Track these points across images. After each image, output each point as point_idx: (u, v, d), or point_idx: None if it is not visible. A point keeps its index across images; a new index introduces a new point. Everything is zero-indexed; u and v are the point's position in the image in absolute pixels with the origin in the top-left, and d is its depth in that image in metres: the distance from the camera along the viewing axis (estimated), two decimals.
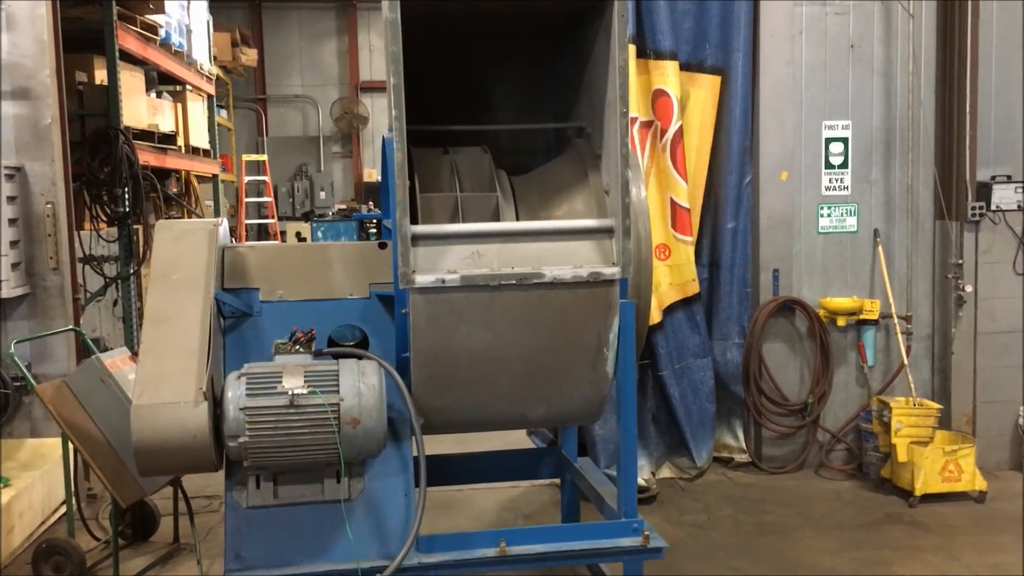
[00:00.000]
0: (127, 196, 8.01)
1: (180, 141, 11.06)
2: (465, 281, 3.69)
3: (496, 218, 3.98)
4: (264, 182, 17.78)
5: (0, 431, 5.87)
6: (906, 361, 6.45)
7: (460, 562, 3.80)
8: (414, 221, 3.89)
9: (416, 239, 3.74)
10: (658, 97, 6.37)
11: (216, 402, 3.57)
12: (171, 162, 10.18)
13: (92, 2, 8.12)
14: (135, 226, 8.70)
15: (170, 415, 3.45)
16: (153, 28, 9.28)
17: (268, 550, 3.72)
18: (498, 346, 3.82)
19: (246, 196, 17.62)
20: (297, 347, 3.79)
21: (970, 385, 6.60)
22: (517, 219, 4.12)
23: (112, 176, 7.94)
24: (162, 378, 3.52)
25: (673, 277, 6.47)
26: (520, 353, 3.85)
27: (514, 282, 3.71)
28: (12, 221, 5.86)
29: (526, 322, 3.80)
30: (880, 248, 6.62)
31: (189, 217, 13.83)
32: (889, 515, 5.79)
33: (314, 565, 3.71)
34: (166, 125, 10.43)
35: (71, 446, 4.76)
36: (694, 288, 6.50)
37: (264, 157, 18.07)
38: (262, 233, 18.09)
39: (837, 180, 6.66)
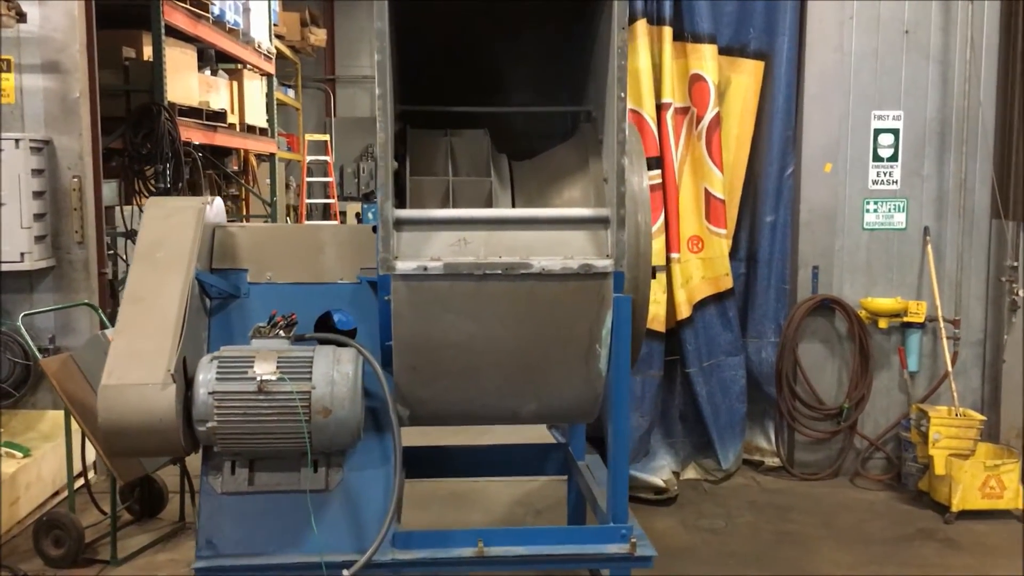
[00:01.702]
0: (168, 172, 8.05)
1: (235, 119, 11.13)
2: (448, 269, 3.53)
3: (489, 204, 3.82)
4: (327, 162, 17.88)
5: (21, 401, 5.94)
6: (950, 368, 6.08)
7: (436, 561, 3.66)
8: (402, 205, 3.77)
9: (400, 223, 3.59)
10: (695, 82, 6.10)
11: (189, 385, 3.49)
12: (221, 139, 10.24)
13: None
14: None
15: (137, 397, 3.37)
16: (204, 5, 9.32)
17: (240, 538, 3.63)
18: (484, 338, 3.66)
19: (314, 176, 17.74)
20: (278, 331, 3.69)
21: (1021, 396, 6.19)
22: (513, 206, 3.96)
23: (153, 152, 8.00)
24: (133, 358, 3.45)
25: (706, 270, 6.20)
26: (507, 346, 3.68)
27: (500, 272, 3.54)
28: (39, 194, 5.89)
29: (513, 314, 3.63)
30: (929, 247, 6.25)
31: (247, 195, 14.01)
32: (921, 531, 5.46)
33: (286, 556, 3.61)
34: (220, 103, 10.50)
35: (73, 420, 4.75)
36: (727, 283, 6.22)
37: (326, 137, 18.16)
38: (327, 213, 18.23)
39: (885, 173, 6.30)
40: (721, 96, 6.15)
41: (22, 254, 5.75)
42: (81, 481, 5.22)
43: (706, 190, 6.16)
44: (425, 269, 3.53)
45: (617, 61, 3.52)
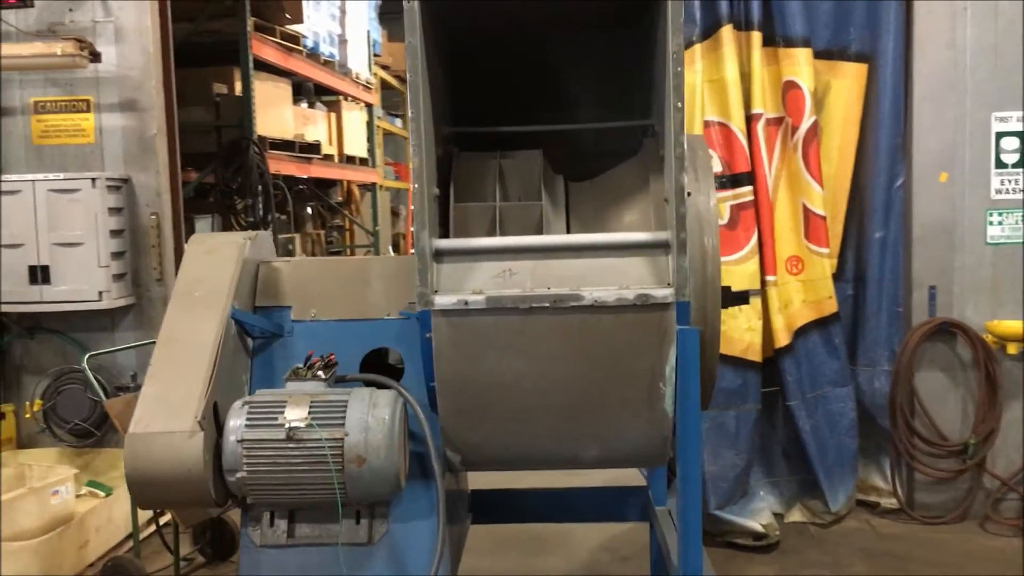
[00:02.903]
0: (259, 205, 8.06)
1: (333, 150, 11.17)
2: (491, 303, 3.22)
3: (540, 231, 3.49)
4: None
5: (104, 439, 5.94)
6: None
7: None
8: (445, 234, 3.49)
9: (440, 254, 3.31)
10: (789, 90, 5.63)
11: (222, 432, 3.28)
12: (316, 171, 10.27)
13: (228, 15, 8.24)
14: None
15: (165, 446, 3.18)
16: (295, 38, 9.36)
17: None
18: (533, 376, 3.32)
19: None
20: (315, 373, 3.44)
21: None
22: (568, 232, 3.62)
23: (243, 186, 8.02)
24: (162, 404, 3.27)
25: (807, 294, 5.69)
26: (559, 385, 3.33)
27: (548, 305, 3.21)
28: (117, 232, 5.91)
29: (565, 351, 3.28)
30: None
31: (350, 226, 14.08)
32: None
33: None
34: (317, 135, 10.55)
35: None
36: (831, 306, 5.69)
37: None
38: None
39: (1011, 182, 5.66)
40: (818, 104, 5.66)
41: (100, 293, 5.76)
42: (152, 525, 5.12)
43: (804, 206, 5.67)
44: (466, 304, 3.22)
45: (672, 68, 3.15)
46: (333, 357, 3.50)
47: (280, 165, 8.89)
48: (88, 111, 6.00)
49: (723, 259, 5.42)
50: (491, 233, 3.50)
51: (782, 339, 5.58)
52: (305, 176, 10.08)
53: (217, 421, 3.28)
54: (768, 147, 5.58)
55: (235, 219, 8.23)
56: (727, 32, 5.49)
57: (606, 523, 5.59)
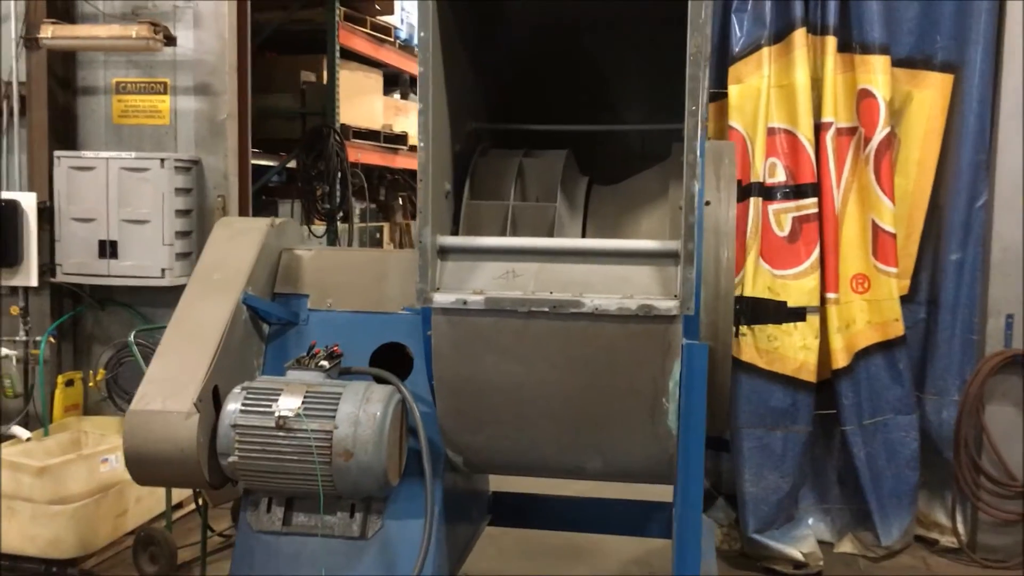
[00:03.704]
0: (337, 192, 8.18)
1: None
2: (490, 304, 3.15)
3: (551, 233, 3.40)
4: None
5: None
6: None
7: None
8: (455, 232, 3.44)
9: (445, 252, 3.27)
10: (863, 98, 5.33)
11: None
12: (401, 162, 10.35)
13: (320, 4, 8.38)
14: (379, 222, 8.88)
15: (162, 425, 3.23)
16: (386, 29, 9.45)
17: None
18: (533, 383, 3.24)
19: None
20: (323, 363, 3.43)
21: None
22: (584, 235, 3.51)
23: (322, 173, 8.15)
24: (164, 384, 3.32)
25: (871, 314, 5.38)
26: (559, 393, 3.24)
27: (546, 309, 3.12)
28: (184, 212, 6.06)
29: (565, 358, 3.19)
30: None
31: None
32: None
33: None
34: (407, 126, 10.63)
35: None
36: (897, 329, 5.37)
37: None
38: None
39: None
40: (896, 115, 5.35)
41: (163, 270, 5.92)
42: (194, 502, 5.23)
43: (873, 222, 5.37)
44: (464, 303, 3.17)
45: (689, 69, 3.01)
46: (337, 348, 3.49)
47: (364, 154, 9.00)
48: (164, 93, 6.18)
49: (780, 273, 5.26)
50: (503, 233, 3.43)
51: (840, 360, 5.30)
52: (390, 166, 10.17)
53: (218, 404, 3.31)
54: (837, 158, 5.31)
55: (314, 205, 8.37)
56: (799, 36, 5.24)
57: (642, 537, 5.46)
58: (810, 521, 5.50)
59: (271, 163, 8.60)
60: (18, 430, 5.49)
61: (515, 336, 3.18)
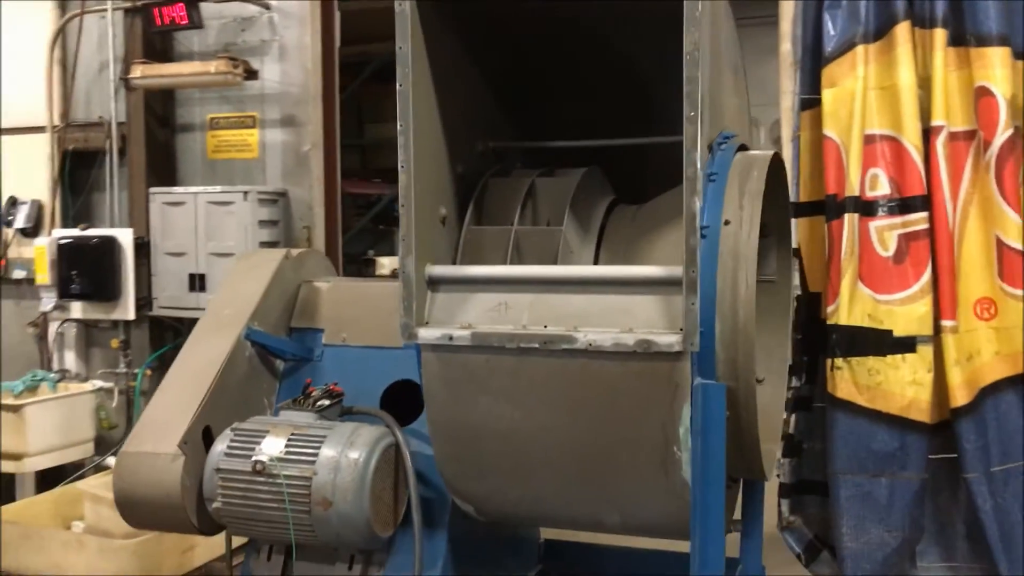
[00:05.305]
0: None
1: None
2: (477, 340, 2.85)
3: (555, 260, 3.05)
4: None
5: None
6: None
7: None
8: (453, 260, 3.15)
9: (434, 282, 2.99)
10: (981, 97, 4.64)
11: None
12: None
13: None
14: None
15: (149, 467, 3.11)
16: None
17: None
18: (530, 429, 2.91)
19: None
20: (320, 403, 3.22)
21: None
22: (596, 262, 3.14)
23: None
24: (158, 424, 3.21)
25: (1000, 344, 4.65)
26: (559, 441, 2.90)
27: (536, 345, 2.78)
28: (271, 244, 6.06)
29: (564, 401, 2.84)
30: None
31: None
32: None
33: None
34: None
35: None
36: None
37: None
38: None
39: None
40: (1016, 114, 4.64)
41: None
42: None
43: (998, 239, 4.66)
44: (451, 338, 2.88)
45: (686, 71, 2.61)
46: (335, 386, 3.28)
47: None
48: (253, 127, 6.24)
49: (884, 298, 4.65)
50: (505, 260, 3.12)
51: (960, 397, 4.60)
52: None
53: (205, 446, 3.16)
54: (952, 166, 4.64)
55: None
56: (902, 30, 4.62)
57: None
58: None
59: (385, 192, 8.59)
60: (112, 461, 5.61)
61: (509, 376, 2.86)
